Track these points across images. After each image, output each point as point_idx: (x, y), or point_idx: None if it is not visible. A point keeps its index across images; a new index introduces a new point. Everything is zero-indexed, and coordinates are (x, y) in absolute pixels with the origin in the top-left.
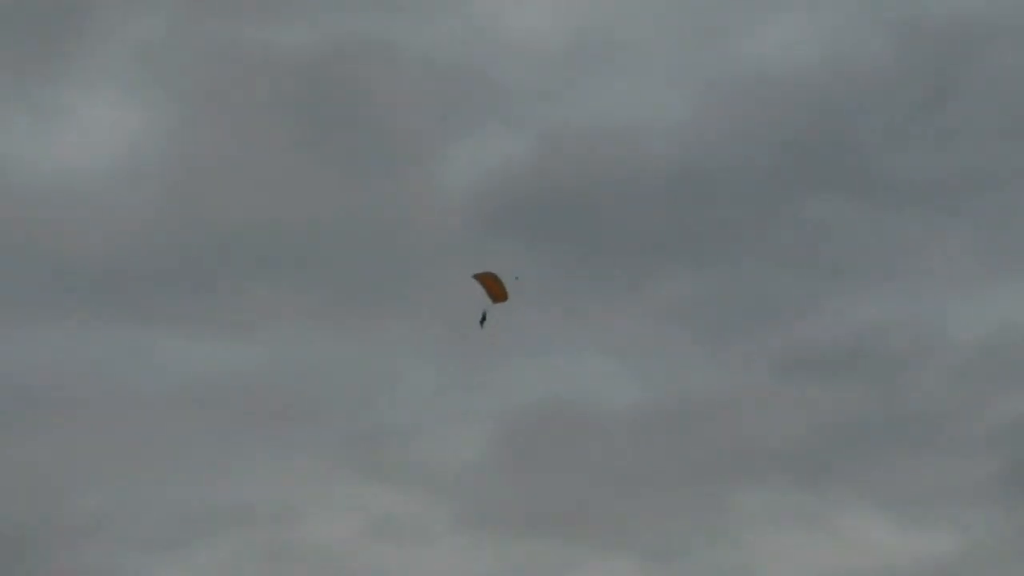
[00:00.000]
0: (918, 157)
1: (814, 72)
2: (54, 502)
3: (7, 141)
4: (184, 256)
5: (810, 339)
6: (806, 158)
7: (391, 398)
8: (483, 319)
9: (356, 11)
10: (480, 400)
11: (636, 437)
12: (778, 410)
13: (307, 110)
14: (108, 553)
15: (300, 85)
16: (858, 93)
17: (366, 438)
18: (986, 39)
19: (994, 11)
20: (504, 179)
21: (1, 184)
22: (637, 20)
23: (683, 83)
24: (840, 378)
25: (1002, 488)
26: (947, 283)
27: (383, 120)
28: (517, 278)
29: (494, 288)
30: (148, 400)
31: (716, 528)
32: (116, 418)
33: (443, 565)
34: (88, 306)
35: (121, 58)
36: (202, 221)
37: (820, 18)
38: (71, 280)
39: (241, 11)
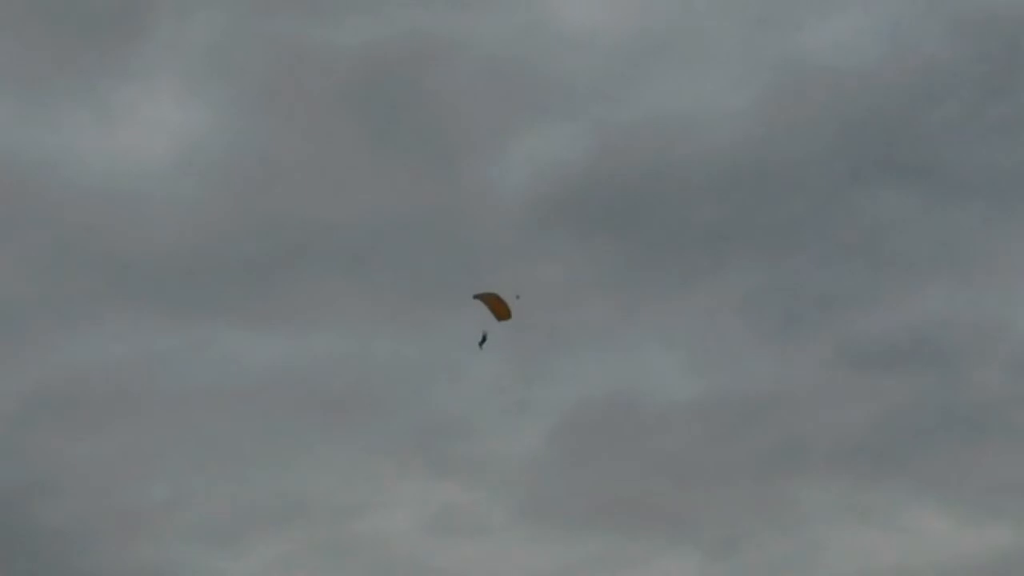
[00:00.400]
0: (980, 149)
1: (875, 63)
2: (118, 495)
3: (71, 138)
4: (246, 252)
5: (871, 332)
6: (867, 150)
7: (452, 393)
8: (483, 340)
9: (418, 8)
10: (541, 394)
11: (697, 431)
12: (839, 403)
13: (368, 107)
14: (171, 545)
15: (361, 82)
16: (920, 85)
17: (427, 432)
18: None
19: None
20: (564, 173)
21: (65, 181)
22: (696, 13)
23: (743, 76)
24: (902, 371)
25: None
26: (1009, 275)
27: (444, 116)
28: (518, 297)
29: (498, 307)
30: (211, 395)
31: (776, 522)
32: (179, 413)
33: (503, 559)
34: (152, 302)
35: (183, 55)
36: (264, 217)
37: (881, 9)
38: (135, 276)
39: (303, 8)
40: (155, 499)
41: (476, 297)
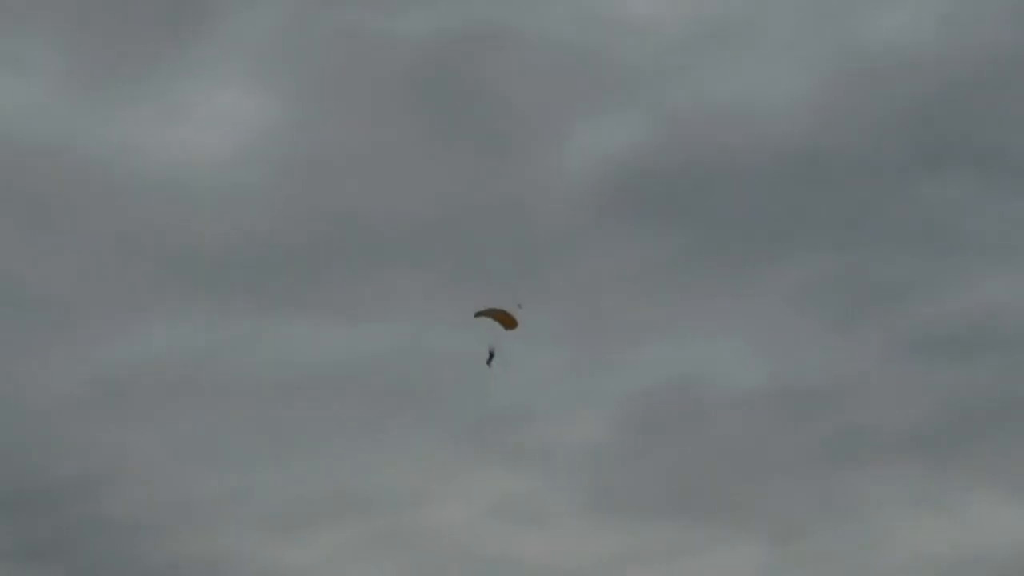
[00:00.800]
0: None
1: (937, 48)
2: (180, 486)
3: (133, 131)
4: (308, 243)
5: (936, 319)
6: (930, 136)
7: (514, 381)
8: (490, 357)
9: None
10: (604, 382)
11: (760, 419)
12: (905, 391)
13: (430, 97)
14: (233, 536)
15: (423, 72)
16: (983, 69)
17: (490, 422)
18: None
19: None
20: (626, 162)
21: (128, 174)
22: (756, 0)
23: (804, 62)
24: (967, 358)
25: None
26: None
27: (505, 105)
28: (520, 306)
29: (504, 319)
30: (273, 385)
31: (840, 510)
32: (241, 403)
33: (566, 548)
34: (214, 293)
35: (246, 48)
36: (325, 209)
37: None
38: (197, 267)
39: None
40: (216, 489)
41: (478, 315)
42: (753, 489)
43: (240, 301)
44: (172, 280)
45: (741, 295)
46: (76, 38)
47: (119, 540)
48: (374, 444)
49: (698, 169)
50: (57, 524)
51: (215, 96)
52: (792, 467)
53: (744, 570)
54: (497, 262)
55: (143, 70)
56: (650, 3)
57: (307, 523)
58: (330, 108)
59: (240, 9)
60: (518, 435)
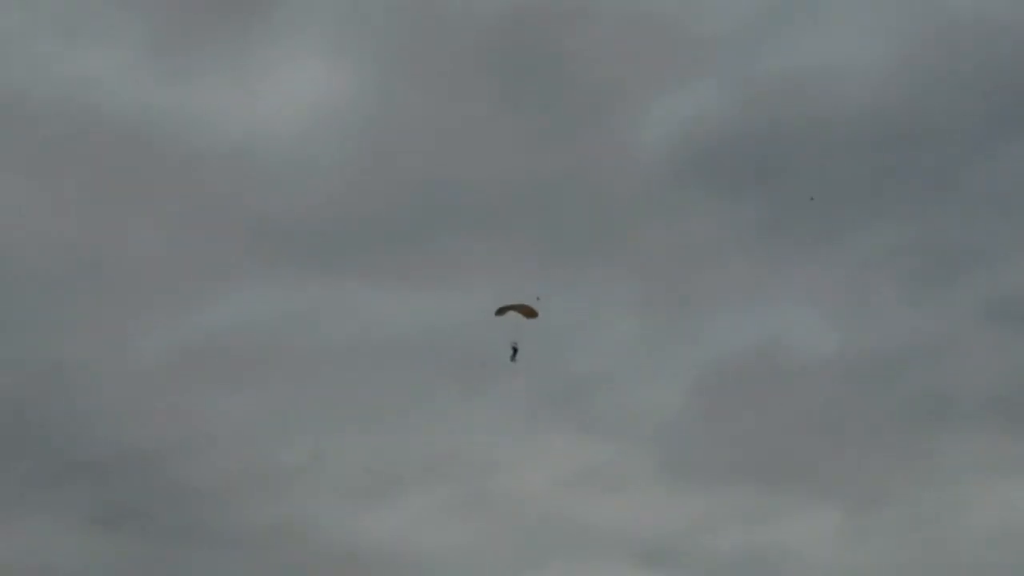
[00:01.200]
0: None
1: (1016, 15)
2: (260, 453)
3: (210, 101)
4: (385, 212)
5: (1016, 284)
6: (1008, 102)
7: (593, 349)
8: (514, 353)
9: None
10: (681, 350)
11: (839, 385)
12: (983, 356)
13: (508, 66)
14: (312, 502)
15: (501, 41)
16: None
17: (567, 390)
18: None
19: None
20: (704, 130)
21: (206, 143)
22: None
23: (887, 28)
24: None
25: None
26: None
27: (585, 74)
28: (539, 298)
29: (525, 310)
30: (351, 353)
31: (920, 476)
32: (320, 371)
33: (644, 514)
34: (292, 262)
35: (321, 18)
36: (402, 177)
37: None
38: (275, 237)
39: None
40: (296, 456)
41: (499, 312)
42: (830, 456)
43: (319, 270)
44: (251, 250)
45: (818, 262)
46: (154, 9)
47: (199, 506)
48: (452, 411)
49: (775, 138)
50: (139, 489)
51: (291, 66)
52: (870, 434)
53: (821, 537)
54: (574, 231)
55: (220, 41)
56: None
57: (386, 490)
58: (406, 78)
59: None
60: (596, 403)
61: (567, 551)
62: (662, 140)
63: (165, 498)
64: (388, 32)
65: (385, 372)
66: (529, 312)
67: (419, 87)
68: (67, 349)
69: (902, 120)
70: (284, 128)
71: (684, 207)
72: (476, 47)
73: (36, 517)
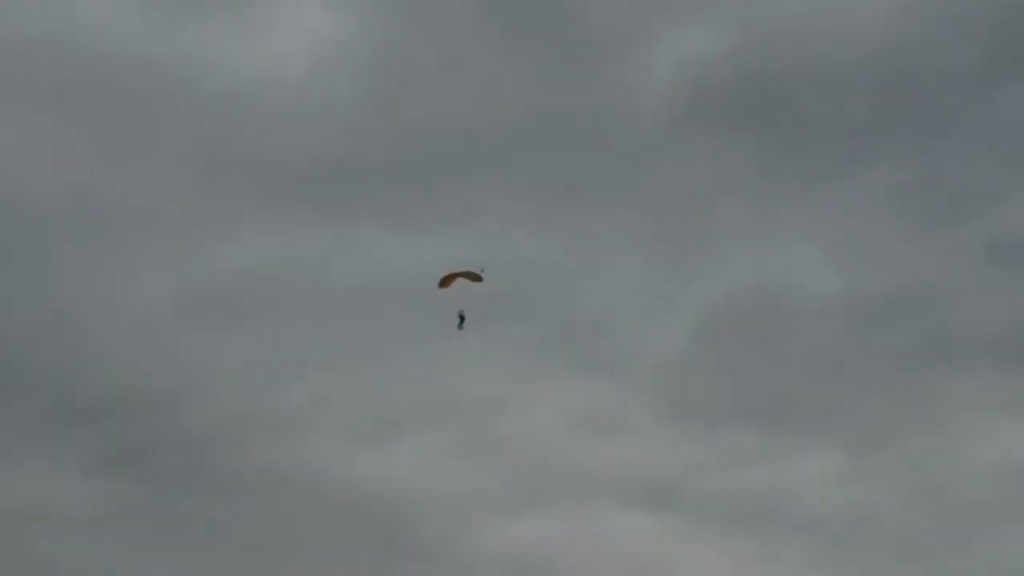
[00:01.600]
0: None
1: None
2: (265, 395)
3: (215, 45)
4: (389, 155)
5: (1017, 225)
6: (1010, 44)
7: (595, 292)
8: (461, 321)
9: None
10: (682, 292)
11: (840, 326)
12: (984, 297)
13: (510, 8)
14: (317, 444)
15: None
16: None
17: (571, 331)
18: None
19: None
20: (706, 71)
21: (211, 87)
22: None
23: None
24: None
25: None
26: None
27: (586, 16)
28: (483, 270)
29: (470, 275)
30: (356, 296)
31: (921, 417)
32: (322, 315)
33: (645, 457)
34: (297, 206)
35: None
36: (406, 120)
37: None
38: (280, 180)
39: None
40: (301, 399)
41: (443, 283)
42: (832, 397)
43: (323, 213)
44: (254, 193)
45: (821, 203)
46: None
47: (202, 449)
48: (455, 354)
49: (780, 78)
50: (142, 433)
51: (296, 8)
52: (872, 375)
53: (824, 477)
54: (577, 173)
55: None
56: None
57: (388, 432)
58: (411, 20)
59: None
60: (598, 344)
61: (569, 493)
62: (665, 82)
63: (168, 442)
64: None
65: (388, 315)
66: (474, 277)
67: (424, 30)
68: (72, 293)
69: (904, 61)
70: (289, 71)
71: (687, 149)
72: None
73: (39, 461)
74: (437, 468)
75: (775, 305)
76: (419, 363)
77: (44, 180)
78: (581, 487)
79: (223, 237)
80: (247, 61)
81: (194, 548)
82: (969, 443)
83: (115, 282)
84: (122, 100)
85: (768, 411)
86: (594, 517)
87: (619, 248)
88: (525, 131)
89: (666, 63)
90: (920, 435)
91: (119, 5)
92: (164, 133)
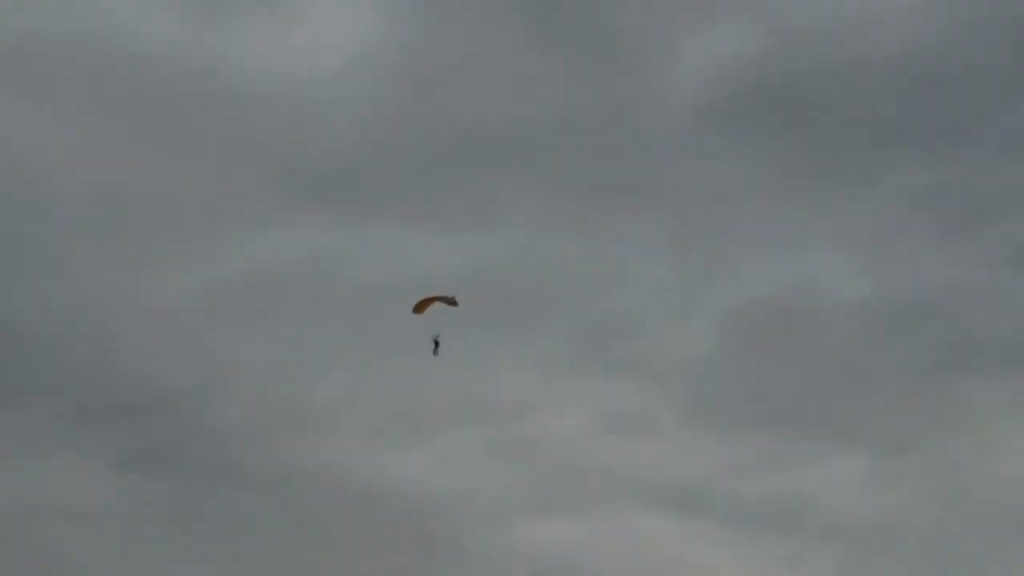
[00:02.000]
0: None
1: None
2: (291, 392)
3: (244, 41)
4: (417, 153)
5: None
6: None
7: (621, 292)
8: (436, 346)
9: None
10: (709, 293)
11: (867, 330)
12: (1012, 302)
13: (540, 7)
14: (342, 442)
15: None
16: None
17: (597, 332)
18: None
19: None
20: (736, 72)
21: (239, 84)
22: None
23: None
24: None
25: None
26: None
27: (615, 15)
28: (455, 297)
29: (446, 300)
30: (382, 294)
31: (947, 422)
32: (349, 313)
33: (672, 458)
34: (324, 202)
35: None
36: (434, 118)
37: None
38: (307, 177)
39: None
40: (326, 396)
41: (417, 309)
42: (859, 401)
43: (350, 210)
44: (282, 190)
45: (849, 206)
46: None
47: (228, 445)
48: (482, 353)
49: (809, 80)
50: (168, 429)
51: (322, 7)
52: (898, 379)
53: (849, 482)
54: (606, 172)
55: None
56: None
57: (414, 431)
58: (439, 18)
59: None
60: (625, 346)
61: (595, 495)
62: (693, 82)
63: (193, 438)
64: None
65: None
66: (450, 302)
67: (452, 28)
68: (97, 289)
69: (933, 63)
70: (316, 69)
71: (715, 150)
72: None
73: (64, 457)
74: (463, 468)
75: (801, 308)
76: (447, 363)
77: (70, 176)
78: (607, 489)
79: (250, 234)
80: (274, 58)
81: (219, 544)
82: (995, 448)
83: (141, 278)
84: (149, 97)
85: (794, 415)
86: (620, 519)
87: (646, 249)
88: (553, 130)
89: (694, 63)
90: (946, 440)
91: (147, 2)
92: (190, 130)
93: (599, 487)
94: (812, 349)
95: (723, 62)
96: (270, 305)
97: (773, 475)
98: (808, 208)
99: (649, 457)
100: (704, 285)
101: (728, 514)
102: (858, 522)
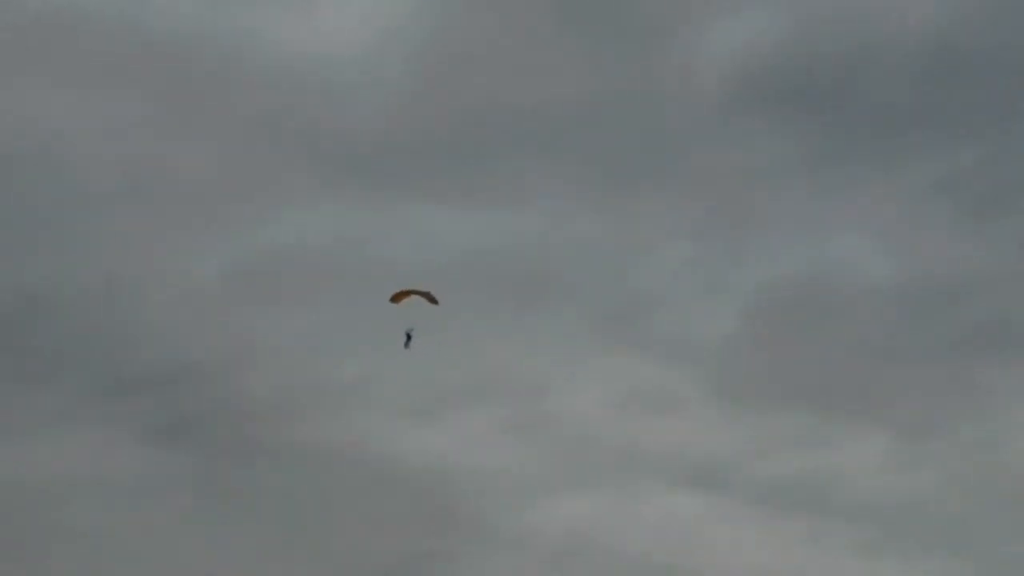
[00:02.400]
0: None
1: None
2: (317, 370)
3: (272, 22)
4: (444, 134)
5: None
6: None
7: (646, 272)
8: (408, 340)
9: None
10: (733, 274)
11: (891, 313)
12: None
13: None
14: (366, 419)
15: None
16: None
17: (619, 312)
18: None
19: None
20: (762, 55)
21: (267, 64)
22: None
23: None
24: None
25: None
26: None
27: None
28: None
29: (427, 296)
30: (407, 273)
31: (970, 405)
32: (374, 291)
33: (695, 437)
34: (351, 182)
35: None
36: (460, 98)
37: None
38: (334, 157)
39: None
40: (351, 374)
41: (395, 299)
42: (882, 382)
43: (375, 190)
44: (309, 170)
45: (875, 189)
46: None
47: (253, 421)
48: (505, 332)
49: (836, 64)
50: (194, 405)
51: None
52: (921, 361)
53: (872, 463)
54: (631, 153)
55: None
56: None
57: (440, 409)
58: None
59: None
60: (649, 325)
61: (616, 473)
62: (719, 65)
63: (219, 414)
64: None
65: (440, 292)
66: (431, 299)
67: (478, 9)
68: (125, 266)
69: (961, 47)
70: (344, 48)
71: (740, 132)
72: None
73: (91, 431)
74: (485, 446)
75: (825, 289)
76: (469, 341)
77: (98, 154)
78: (629, 467)
79: (276, 212)
80: (302, 38)
81: (243, 520)
82: (1017, 429)
83: (168, 255)
84: (177, 76)
85: (817, 395)
86: (641, 497)
87: (670, 230)
88: (579, 111)
89: (721, 46)
90: (969, 422)
91: None
92: (218, 109)
93: (622, 465)
94: (836, 330)
95: (750, 45)
96: (296, 282)
97: (796, 455)
98: (833, 190)
99: (672, 436)
100: (729, 266)
101: (750, 493)
102: (880, 502)
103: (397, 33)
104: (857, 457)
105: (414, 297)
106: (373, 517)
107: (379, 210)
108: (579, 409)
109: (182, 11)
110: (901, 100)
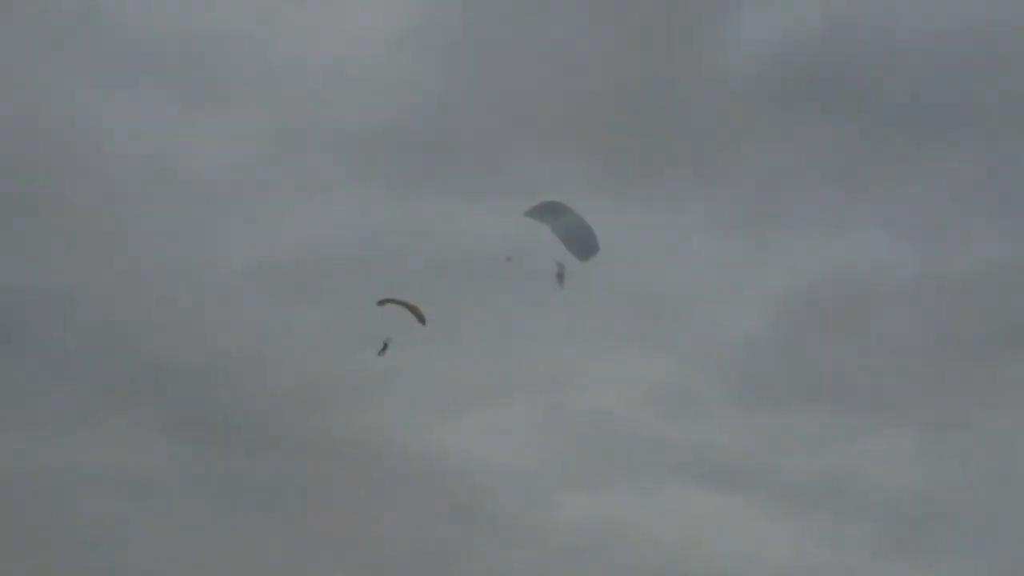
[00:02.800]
0: None
1: None
2: (341, 363)
3: (294, 14)
4: (472, 128)
5: None
6: None
7: (673, 267)
8: (384, 348)
9: None
10: (762, 271)
11: (918, 311)
12: None
13: None
14: (390, 413)
15: None
16: None
17: (646, 308)
18: None
19: None
20: (790, 50)
21: (291, 56)
22: None
23: None
24: None
25: None
26: None
27: None
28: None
29: (416, 312)
30: (431, 268)
31: (997, 403)
32: (401, 285)
33: (720, 437)
34: (376, 176)
35: None
36: (488, 93)
37: None
38: (359, 150)
39: None
40: (376, 368)
41: (381, 302)
42: (909, 380)
43: (403, 185)
44: (333, 163)
45: (903, 186)
46: None
47: (279, 414)
48: (528, 326)
49: (863, 59)
50: (220, 396)
51: None
52: (949, 359)
53: (898, 461)
54: (658, 149)
55: None
56: None
57: (461, 403)
58: None
59: None
60: (676, 321)
61: (640, 469)
62: (749, 60)
63: (243, 406)
64: None
65: (464, 287)
66: (419, 317)
67: (506, 3)
68: (152, 258)
69: (989, 43)
70: (371, 42)
71: (769, 128)
72: None
73: (114, 424)
74: (510, 441)
75: (853, 287)
76: (494, 335)
77: (128, 147)
78: (653, 464)
79: (302, 206)
80: (331, 32)
81: (265, 513)
82: None
83: (194, 248)
84: (206, 70)
85: (843, 392)
86: (665, 493)
87: (698, 226)
88: (607, 105)
89: (750, 41)
90: (995, 419)
91: None
92: (249, 104)
93: (646, 462)
94: (862, 328)
95: (779, 40)
96: (324, 276)
97: (820, 451)
98: (863, 187)
99: (696, 433)
100: (756, 262)
101: (774, 490)
102: (905, 498)
103: (425, 27)
104: (882, 453)
105: (399, 308)
106: (398, 512)
107: (404, 206)
108: (605, 405)
109: (212, 7)
110: (932, 95)
